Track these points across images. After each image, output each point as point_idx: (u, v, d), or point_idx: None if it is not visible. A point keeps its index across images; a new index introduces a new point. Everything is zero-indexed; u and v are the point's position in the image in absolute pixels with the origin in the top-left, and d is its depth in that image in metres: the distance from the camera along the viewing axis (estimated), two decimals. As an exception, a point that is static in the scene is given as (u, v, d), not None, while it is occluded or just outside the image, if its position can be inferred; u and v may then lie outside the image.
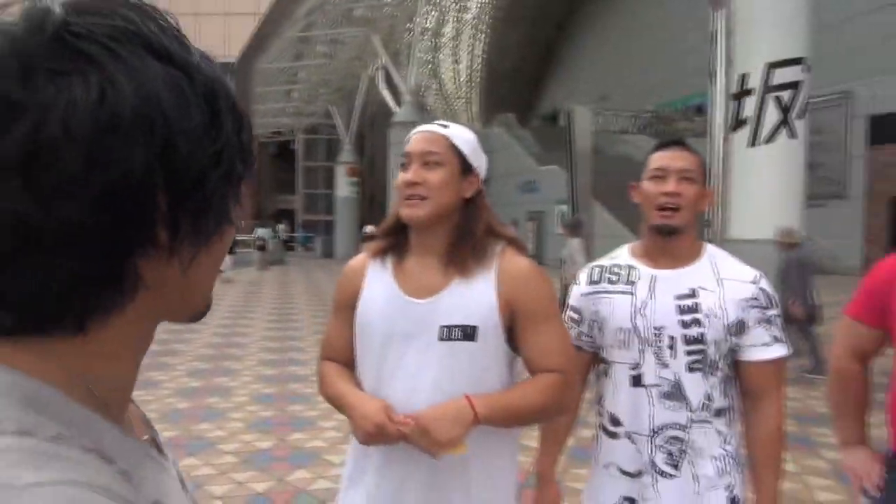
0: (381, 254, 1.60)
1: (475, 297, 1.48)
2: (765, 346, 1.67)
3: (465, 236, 1.51)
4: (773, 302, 1.71)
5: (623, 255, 1.83)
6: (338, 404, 1.57)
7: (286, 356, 8.13)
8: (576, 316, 1.84)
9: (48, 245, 0.43)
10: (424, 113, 27.59)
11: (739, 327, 1.66)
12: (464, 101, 46.62)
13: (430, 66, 38.64)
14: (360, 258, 1.67)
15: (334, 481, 3.99)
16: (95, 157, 0.42)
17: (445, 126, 1.55)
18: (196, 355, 7.92)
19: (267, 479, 4.11)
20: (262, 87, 33.86)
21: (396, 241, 1.59)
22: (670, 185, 1.68)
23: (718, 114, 8.32)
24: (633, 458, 1.70)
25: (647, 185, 1.72)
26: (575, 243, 9.30)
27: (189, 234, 0.49)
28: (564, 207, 18.66)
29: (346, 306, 1.62)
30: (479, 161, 1.56)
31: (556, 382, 1.47)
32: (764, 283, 1.72)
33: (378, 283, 1.57)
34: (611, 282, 1.78)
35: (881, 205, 18.31)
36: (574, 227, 9.71)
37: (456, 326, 1.46)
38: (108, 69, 0.43)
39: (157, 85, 0.45)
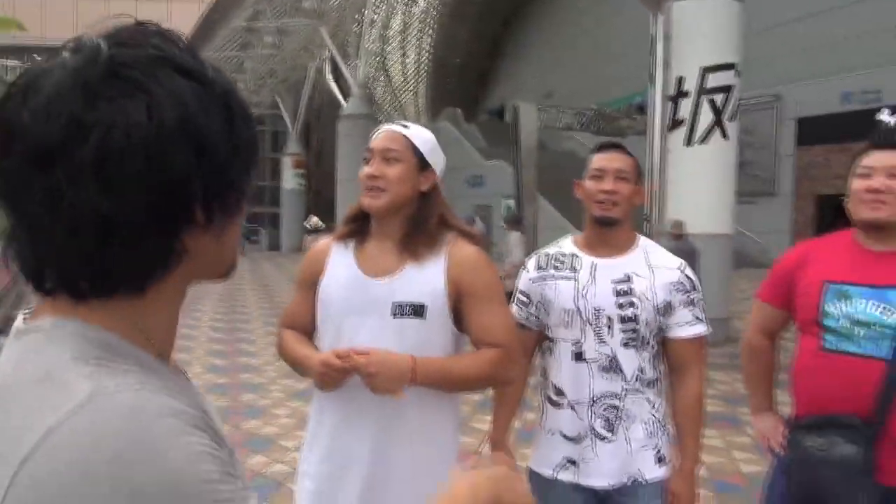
0: (344, 238, 1.78)
1: (426, 279, 1.66)
2: (688, 325, 1.92)
3: (419, 225, 1.69)
4: (696, 286, 1.95)
5: (567, 245, 2.05)
6: (296, 364, 1.75)
7: (236, 346, 8.16)
8: (524, 299, 2.05)
9: (117, 231, 0.56)
10: (372, 106, 27.55)
11: (667, 308, 1.90)
12: (412, 94, 46.61)
13: (378, 58, 38.54)
14: (325, 241, 1.84)
15: (290, 465, 4.13)
16: (151, 160, 0.55)
17: (406, 126, 1.74)
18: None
19: (224, 463, 4.22)
20: (206, 75, 33.03)
21: (359, 228, 1.77)
22: (608, 184, 1.91)
23: (657, 114, 8.72)
24: (574, 425, 1.92)
25: (589, 184, 1.95)
26: (514, 237, 9.66)
27: (219, 212, 0.62)
28: (511, 202, 18.99)
29: (310, 283, 1.79)
30: (436, 159, 1.74)
31: (498, 355, 1.66)
32: (688, 271, 1.97)
33: (340, 264, 1.74)
34: (556, 268, 2.00)
35: (807, 202, 19.35)
36: (514, 223, 10.08)
37: (407, 304, 1.64)
38: (151, 91, 0.56)
39: (187, 98, 0.57)
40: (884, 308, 1.76)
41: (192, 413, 0.56)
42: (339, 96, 26.27)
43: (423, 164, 1.70)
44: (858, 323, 1.78)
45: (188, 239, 0.61)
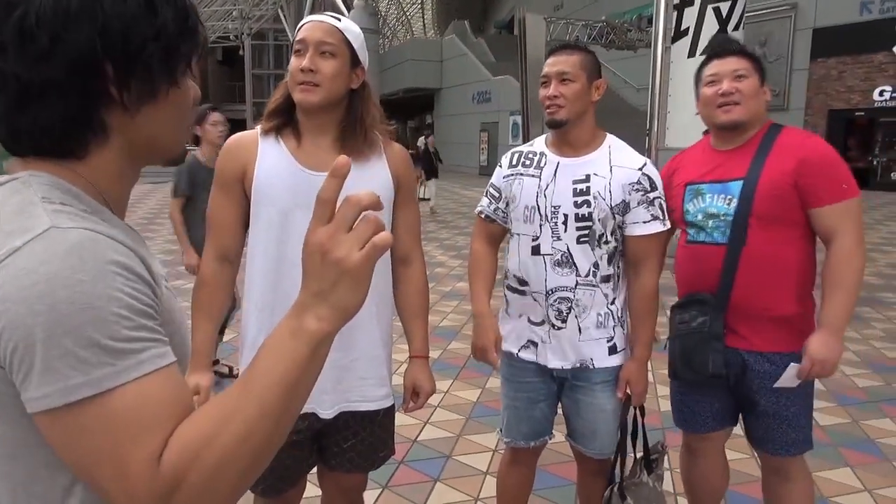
0: (273, 132, 1.70)
1: (372, 174, 1.70)
2: (644, 223, 2.01)
3: (356, 124, 1.68)
4: (654, 185, 2.02)
5: (539, 144, 2.14)
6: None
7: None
8: (496, 193, 2.17)
9: (37, 96, 0.68)
10: (376, 18, 26.82)
11: (623, 207, 1.99)
12: (418, 6, 45.11)
13: (382, -32, 37.10)
14: (248, 134, 1.72)
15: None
16: (56, 36, 0.66)
17: (338, 19, 1.66)
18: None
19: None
20: (206, -13, 32.10)
21: (287, 120, 1.69)
22: (551, 89, 1.98)
23: (661, 25, 8.52)
24: (537, 312, 2.09)
25: (540, 91, 2.03)
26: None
27: (137, 91, 0.71)
28: (518, 118, 18.77)
29: (232, 181, 1.69)
30: (365, 56, 1.71)
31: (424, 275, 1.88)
32: (648, 170, 2.02)
33: (274, 157, 1.66)
34: (525, 166, 2.10)
35: (819, 116, 18.98)
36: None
37: None
38: None
39: None
40: (727, 199, 2.01)
41: (126, 263, 0.66)
42: (343, 7, 25.58)
43: (354, 61, 1.66)
44: (709, 215, 2.05)
45: (106, 114, 0.71)
